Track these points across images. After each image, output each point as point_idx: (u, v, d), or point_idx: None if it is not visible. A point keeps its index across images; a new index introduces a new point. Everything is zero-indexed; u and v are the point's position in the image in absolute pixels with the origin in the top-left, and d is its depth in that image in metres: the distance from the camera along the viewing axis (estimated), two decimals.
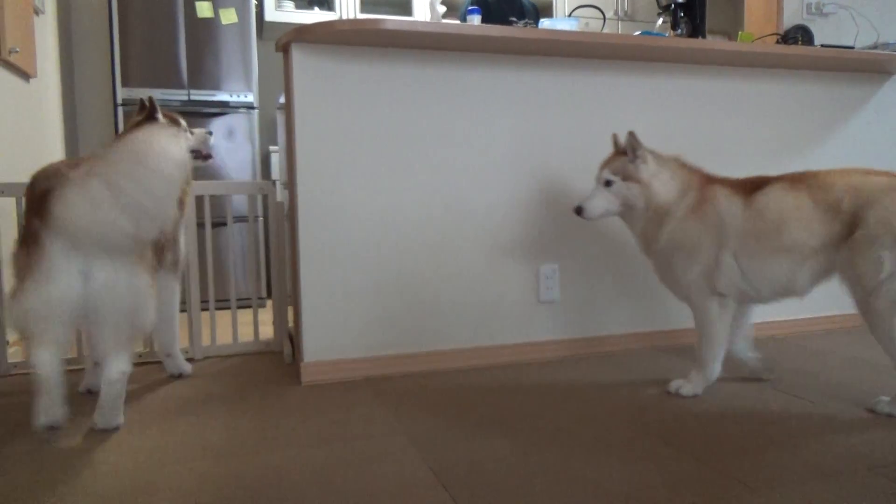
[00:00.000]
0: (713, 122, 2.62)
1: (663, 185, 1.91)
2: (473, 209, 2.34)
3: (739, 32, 2.88)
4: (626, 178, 1.93)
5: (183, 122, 2.26)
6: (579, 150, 2.45)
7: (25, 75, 2.89)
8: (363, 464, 1.52)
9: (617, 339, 2.55)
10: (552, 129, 2.40)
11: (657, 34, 2.42)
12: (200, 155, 2.35)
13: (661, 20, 2.69)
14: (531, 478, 1.43)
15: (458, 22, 2.75)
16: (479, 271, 2.36)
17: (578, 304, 2.50)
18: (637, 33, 2.41)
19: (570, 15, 2.63)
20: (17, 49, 2.68)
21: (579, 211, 1.97)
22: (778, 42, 3.08)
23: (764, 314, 2.71)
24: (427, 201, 2.29)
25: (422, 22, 2.00)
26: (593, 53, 2.33)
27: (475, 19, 2.24)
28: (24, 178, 1.89)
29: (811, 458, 1.52)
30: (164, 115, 2.19)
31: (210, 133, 2.38)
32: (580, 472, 1.46)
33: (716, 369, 1.97)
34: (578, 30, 2.24)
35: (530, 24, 2.57)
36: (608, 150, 2.48)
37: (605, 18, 2.61)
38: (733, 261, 1.86)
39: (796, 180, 1.84)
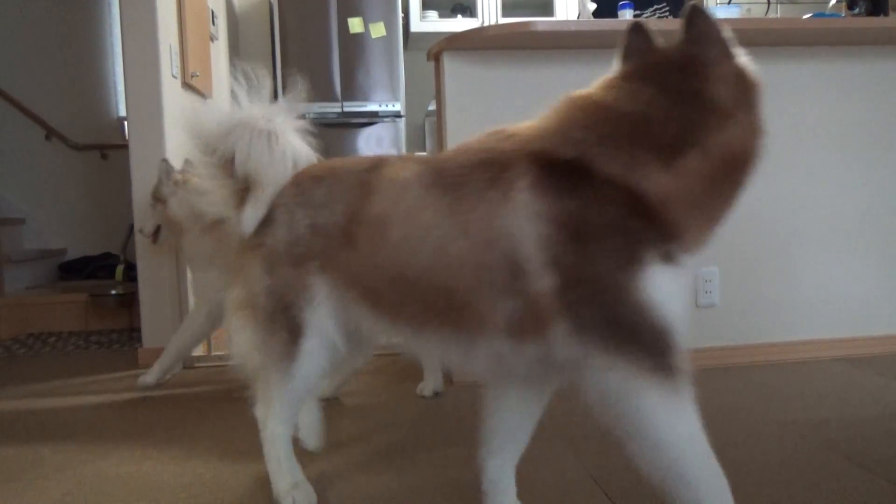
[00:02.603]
0: None
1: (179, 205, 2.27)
2: None
3: None
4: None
5: None
6: None
7: (204, 96, 3.20)
8: (521, 466, 1.51)
9: (784, 348, 2.36)
10: None
11: (831, 15, 2.22)
12: None
13: (834, 0, 2.46)
14: None
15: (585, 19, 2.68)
16: None
17: (739, 309, 2.35)
18: (807, 16, 2.22)
19: (730, 2, 2.48)
20: (198, 73, 2.96)
21: None
22: None
23: None
24: None
25: (573, 21, 1.98)
26: (760, 41, 2.17)
27: (627, 14, 2.17)
28: None
29: None
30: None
31: None
32: (755, 490, 1.36)
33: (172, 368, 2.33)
34: (741, 17, 2.10)
35: (661, 10, 2.43)
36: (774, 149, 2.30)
37: (769, 2, 2.43)
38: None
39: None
